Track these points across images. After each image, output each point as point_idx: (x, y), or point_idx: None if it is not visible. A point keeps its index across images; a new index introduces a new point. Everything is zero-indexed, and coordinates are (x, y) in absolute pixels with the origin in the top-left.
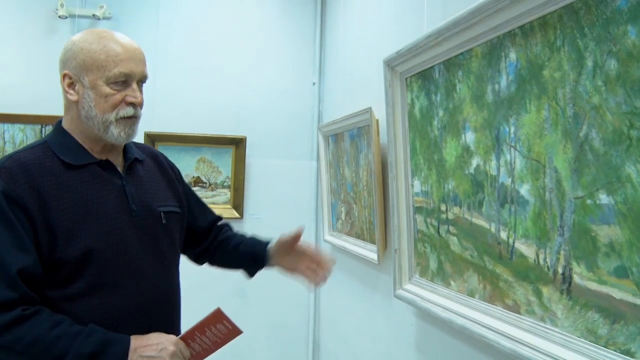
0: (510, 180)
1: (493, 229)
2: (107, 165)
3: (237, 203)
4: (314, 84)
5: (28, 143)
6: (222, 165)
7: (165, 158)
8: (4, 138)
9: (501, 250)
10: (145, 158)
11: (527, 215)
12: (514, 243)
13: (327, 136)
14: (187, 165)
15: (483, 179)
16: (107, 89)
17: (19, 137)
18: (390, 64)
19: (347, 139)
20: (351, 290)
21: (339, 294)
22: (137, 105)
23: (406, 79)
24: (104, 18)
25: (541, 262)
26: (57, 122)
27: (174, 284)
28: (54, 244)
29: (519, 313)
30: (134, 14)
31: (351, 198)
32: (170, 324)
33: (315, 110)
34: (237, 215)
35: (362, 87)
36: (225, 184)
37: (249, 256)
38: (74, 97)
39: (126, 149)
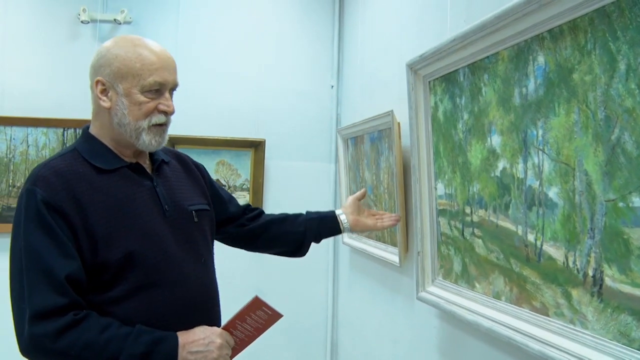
0: (538, 183)
1: (520, 232)
2: (137, 167)
3: (256, 206)
4: (332, 86)
5: (50, 146)
6: (241, 167)
7: (189, 158)
8: (27, 141)
9: (528, 253)
10: (170, 159)
11: (555, 217)
12: (541, 245)
13: (346, 139)
14: (207, 168)
15: (510, 182)
16: (141, 97)
17: (41, 141)
18: (414, 67)
19: (367, 142)
20: (371, 292)
21: (357, 296)
22: (169, 114)
23: (429, 82)
24: (125, 22)
25: (570, 264)
26: (84, 128)
27: (213, 280)
28: (95, 248)
29: (547, 315)
30: (154, 18)
31: (371, 200)
32: (212, 319)
33: (334, 112)
34: None
35: (382, 90)
36: (244, 186)
37: (314, 222)
38: (106, 104)
39: (152, 152)
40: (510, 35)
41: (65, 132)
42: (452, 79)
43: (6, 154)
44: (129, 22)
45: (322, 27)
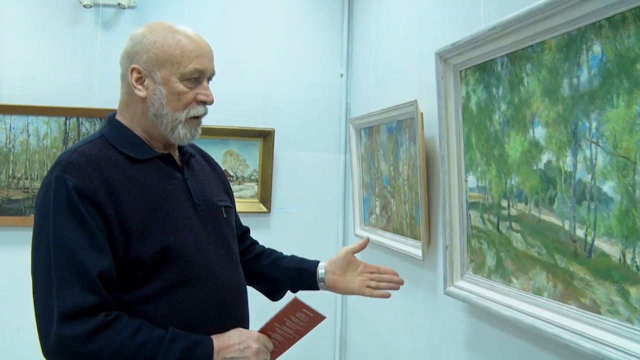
0: (590, 176)
1: (567, 227)
2: (168, 159)
3: (265, 197)
4: (342, 75)
5: (52, 136)
6: (250, 158)
7: (211, 157)
8: (27, 131)
9: (577, 248)
10: (196, 154)
11: (610, 212)
12: (593, 241)
13: (359, 129)
14: (214, 158)
15: (555, 175)
16: (180, 86)
17: (43, 130)
18: (444, 56)
19: (384, 132)
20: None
21: None
22: (208, 103)
23: (460, 71)
24: (129, 7)
25: (628, 261)
26: (110, 115)
27: (242, 278)
28: (128, 243)
29: (598, 313)
30: (159, 4)
31: (388, 192)
32: (243, 317)
33: (343, 102)
34: (264, 209)
35: (400, 80)
36: (252, 177)
37: (291, 272)
38: (142, 93)
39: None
40: (560, 23)
41: (68, 121)
42: (487, 69)
43: (6, 144)
44: (132, 7)
45: (330, 14)
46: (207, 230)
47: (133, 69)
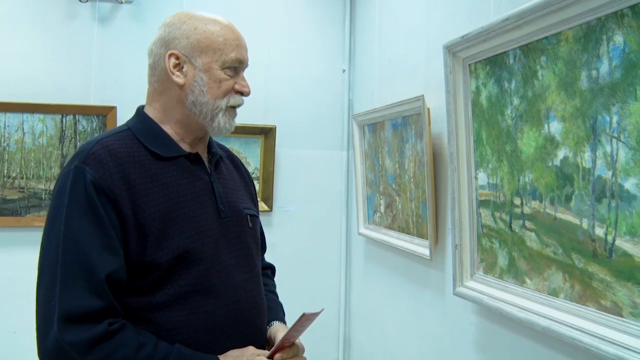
0: (610, 173)
1: (585, 225)
2: (196, 159)
3: (267, 195)
4: (344, 71)
5: (48, 134)
6: (251, 156)
7: (240, 160)
8: (23, 129)
9: (596, 248)
10: (225, 156)
11: (634, 211)
12: (614, 241)
13: (362, 125)
14: None
15: (572, 172)
16: (221, 74)
17: (38, 128)
18: (452, 50)
19: (388, 129)
20: (391, 285)
21: (374, 289)
22: (245, 94)
23: (470, 65)
24: (126, 2)
25: None
26: (139, 108)
27: (262, 292)
28: (144, 246)
29: (620, 315)
30: None
31: (393, 190)
32: (258, 336)
33: (346, 98)
34: (266, 208)
35: (405, 75)
36: (254, 175)
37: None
38: (180, 80)
39: (210, 144)
40: (578, 13)
41: (64, 119)
42: (498, 62)
43: (0, 143)
44: (130, 2)
45: (332, 8)
46: (229, 239)
47: (171, 54)
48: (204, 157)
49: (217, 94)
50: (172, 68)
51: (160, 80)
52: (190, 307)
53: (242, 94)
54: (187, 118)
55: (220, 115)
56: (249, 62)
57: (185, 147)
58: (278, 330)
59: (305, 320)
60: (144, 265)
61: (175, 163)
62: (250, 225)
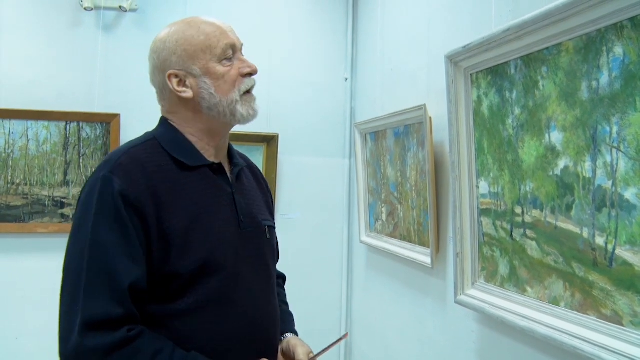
0: (610, 183)
1: (585, 234)
2: (218, 169)
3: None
4: (346, 79)
5: (52, 141)
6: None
7: (259, 169)
8: (27, 136)
9: (596, 257)
10: (246, 167)
11: (634, 220)
12: (614, 250)
13: (364, 134)
14: None
15: (573, 181)
16: (220, 68)
17: (42, 135)
18: (454, 59)
19: (390, 137)
20: (392, 293)
21: (376, 297)
22: (253, 73)
23: (471, 74)
24: (131, 10)
25: None
26: (162, 117)
27: (277, 305)
28: (167, 256)
29: (620, 324)
30: (161, 7)
31: (395, 198)
32: (273, 348)
33: (348, 106)
34: None
35: (407, 83)
36: None
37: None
38: (189, 94)
39: (231, 154)
40: (579, 24)
41: (68, 126)
42: (500, 72)
43: (5, 149)
44: (134, 10)
45: (334, 17)
46: (248, 250)
47: (170, 75)
48: (226, 167)
49: (225, 89)
50: (176, 87)
51: (171, 101)
52: (208, 316)
53: (249, 75)
54: (210, 123)
55: (238, 107)
56: (242, 42)
57: (209, 156)
58: (297, 345)
59: (343, 339)
60: (167, 274)
61: (198, 173)
62: (268, 236)
